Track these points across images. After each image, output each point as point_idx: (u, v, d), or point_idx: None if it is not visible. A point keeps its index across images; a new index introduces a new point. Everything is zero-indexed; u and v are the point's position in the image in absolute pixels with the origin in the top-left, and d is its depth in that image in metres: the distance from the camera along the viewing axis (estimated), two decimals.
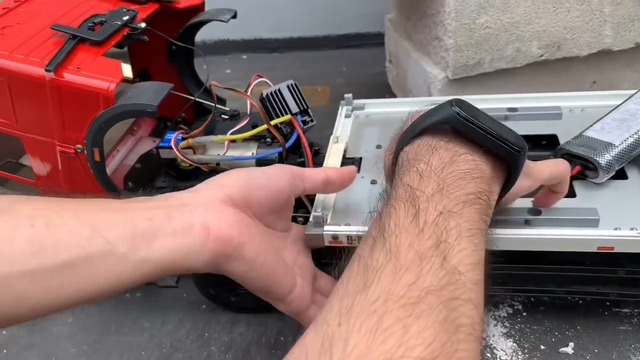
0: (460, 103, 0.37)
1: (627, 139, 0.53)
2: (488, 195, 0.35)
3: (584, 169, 0.52)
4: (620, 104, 0.57)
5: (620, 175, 0.54)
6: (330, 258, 0.57)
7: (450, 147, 0.36)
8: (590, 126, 0.56)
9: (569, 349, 0.55)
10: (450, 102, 0.37)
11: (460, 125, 0.36)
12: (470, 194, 0.34)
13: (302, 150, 0.60)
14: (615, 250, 0.47)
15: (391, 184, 0.39)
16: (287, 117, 0.60)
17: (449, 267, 0.29)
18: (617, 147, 0.52)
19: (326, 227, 0.51)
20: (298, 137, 0.60)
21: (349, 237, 0.50)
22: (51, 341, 0.63)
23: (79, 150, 0.55)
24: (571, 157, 0.53)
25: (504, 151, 0.36)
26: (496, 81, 0.81)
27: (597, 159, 0.51)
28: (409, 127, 0.40)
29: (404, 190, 0.34)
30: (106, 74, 0.52)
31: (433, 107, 0.39)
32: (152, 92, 0.52)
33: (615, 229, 0.46)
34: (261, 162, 0.62)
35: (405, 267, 0.28)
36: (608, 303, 0.58)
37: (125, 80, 0.61)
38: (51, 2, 0.63)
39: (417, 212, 0.32)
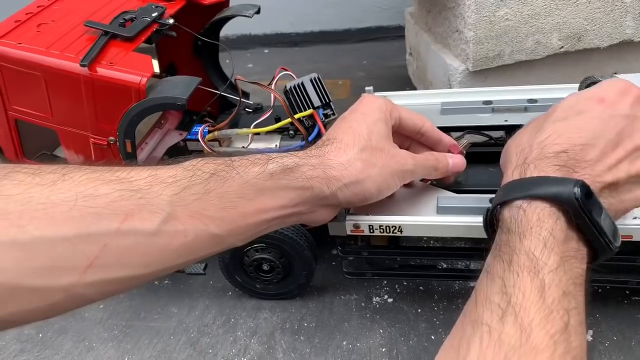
0: (583, 187, 0.36)
1: None
2: (585, 277, 0.36)
3: None
4: None
5: None
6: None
7: (565, 220, 0.36)
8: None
9: (587, 337, 0.55)
10: (576, 183, 0.36)
11: (574, 213, 0.35)
12: (580, 276, 0.35)
13: None
14: (634, 239, 0.47)
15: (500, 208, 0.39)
16: (310, 111, 0.62)
17: (573, 352, 0.31)
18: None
19: (348, 217, 0.52)
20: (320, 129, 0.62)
21: (370, 226, 0.52)
22: (84, 326, 0.66)
23: (111, 142, 0.57)
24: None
25: (600, 245, 0.36)
26: (516, 73, 0.82)
27: None
28: (527, 180, 0.38)
29: (527, 257, 0.34)
30: (138, 68, 0.54)
31: (552, 177, 0.38)
32: (181, 86, 0.53)
33: (635, 218, 0.47)
34: None
35: (540, 349, 0.30)
36: (627, 291, 0.59)
37: (154, 75, 0.63)
38: (84, 0, 0.65)
39: (543, 288, 0.32)
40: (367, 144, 0.45)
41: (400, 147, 0.53)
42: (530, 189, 0.37)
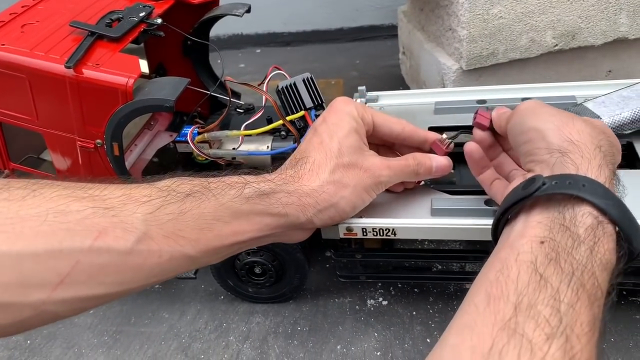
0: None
1: (616, 115, 0.55)
2: None
3: None
4: (637, 83, 0.58)
5: (633, 164, 0.54)
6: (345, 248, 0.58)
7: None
8: (597, 97, 0.58)
9: None
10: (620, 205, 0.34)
11: (626, 230, 0.33)
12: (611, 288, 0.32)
13: None
14: None
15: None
16: (301, 113, 0.61)
17: None
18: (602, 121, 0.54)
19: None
20: None
21: (363, 230, 0.51)
22: (74, 332, 0.65)
23: (98, 145, 0.56)
24: None
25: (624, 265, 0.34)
26: (510, 71, 0.81)
27: None
28: (609, 192, 0.34)
29: (590, 280, 0.30)
30: (124, 69, 0.52)
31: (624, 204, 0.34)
32: (169, 87, 0.52)
33: None
34: (276, 156, 0.63)
35: None
36: (624, 292, 0.58)
37: (142, 75, 0.62)
38: (69, 0, 0.64)
39: (595, 321, 0.29)
40: (339, 161, 0.46)
41: (384, 147, 0.52)
42: (618, 211, 0.33)
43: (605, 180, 0.35)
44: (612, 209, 0.33)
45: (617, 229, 0.33)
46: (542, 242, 0.32)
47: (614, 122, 0.55)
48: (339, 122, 0.48)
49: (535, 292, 0.29)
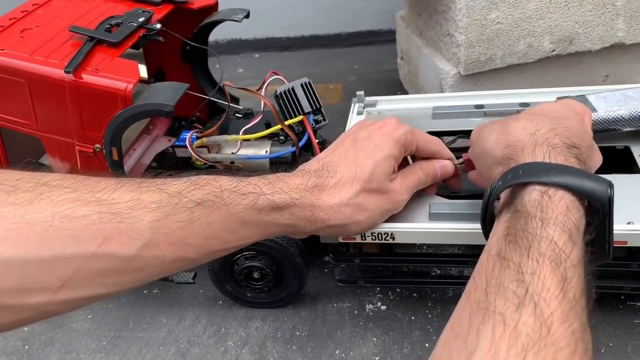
0: (612, 189, 0.35)
1: (612, 112, 0.55)
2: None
3: None
4: None
5: (633, 169, 0.54)
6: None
7: (586, 217, 0.35)
8: (602, 92, 0.59)
9: None
10: (609, 184, 0.34)
11: (602, 213, 0.34)
12: (589, 274, 0.33)
13: (313, 148, 0.61)
14: (628, 245, 0.47)
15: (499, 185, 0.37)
16: (300, 117, 0.61)
17: (590, 354, 0.29)
18: (597, 116, 0.55)
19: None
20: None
21: (362, 234, 0.51)
22: (71, 337, 0.65)
23: (97, 150, 0.56)
24: None
25: (604, 250, 0.36)
26: (508, 76, 0.81)
27: None
28: (557, 167, 0.36)
29: (549, 246, 0.31)
30: (124, 74, 0.53)
31: (585, 171, 0.36)
32: (169, 92, 0.52)
33: (629, 223, 0.47)
34: (274, 161, 0.63)
35: (560, 345, 0.28)
36: (622, 297, 0.58)
37: (141, 80, 0.62)
38: (69, 5, 0.64)
39: (565, 281, 0.30)
40: (366, 186, 0.45)
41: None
42: (559, 175, 0.35)
43: (546, 155, 0.37)
44: (553, 176, 0.35)
45: (569, 190, 0.34)
46: (505, 235, 0.34)
47: (609, 118, 0.56)
48: (383, 145, 0.47)
49: (501, 273, 0.31)
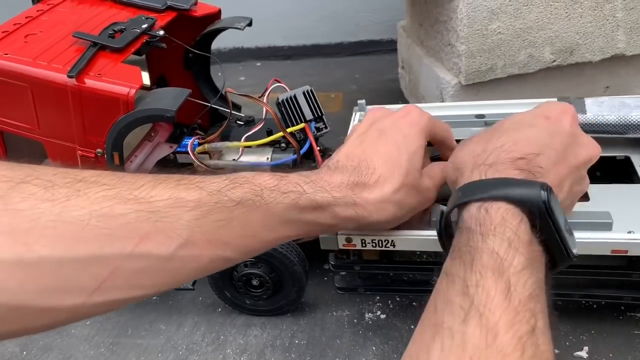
0: (548, 189, 0.35)
1: (601, 117, 0.56)
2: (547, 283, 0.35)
3: None
4: None
5: (633, 179, 0.54)
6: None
7: (529, 222, 0.35)
8: (600, 97, 0.59)
9: (583, 353, 0.55)
10: (542, 186, 0.35)
11: (540, 215, 0.35)
12: (543, 280, 0.33)
13: (314, 156, 0.61)
14: (629, 254, 0.47)
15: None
16: (301, 125, 0.61)
17: (541, 356, 0.29)
18: (584, 118, 0.56)
19: (340, 231, 0.51)
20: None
21: (362, 240, 0.51)
22: (70, 343, 0.65)
23: (99, 155, 0.56)
24: None
25: (559, 251, 0.36)
26: (509, 87, 0.82)
27: None
28: (489, 181, 0.37)
29: (490, 257, 0.32)
30: (126, 79, 0.53)
31: (516, 179, 0.37)
32: (170, 98, 0.53)
33: (629, 232, 0.46)
34: (276, 168, 0.63)
35: (507, 352, 0.28)
36: (622, 307, 0.58)
37: (143, 87, 0.62)
38: (72, 11, 0.64)
39: (509, 289, 0.30)
40: (404, 180, 0.45)
41: None
42: (493, 189, 0.36)
43: (482, 174, 0.38)
44: (488, 191, 0.36)
45: (505, 200, 0.35)
46: (452, 252, 0.35)
47: (596, 122, 0.56)
48: (412, 136, 0.46)
49: (448, 289, 0.32)
